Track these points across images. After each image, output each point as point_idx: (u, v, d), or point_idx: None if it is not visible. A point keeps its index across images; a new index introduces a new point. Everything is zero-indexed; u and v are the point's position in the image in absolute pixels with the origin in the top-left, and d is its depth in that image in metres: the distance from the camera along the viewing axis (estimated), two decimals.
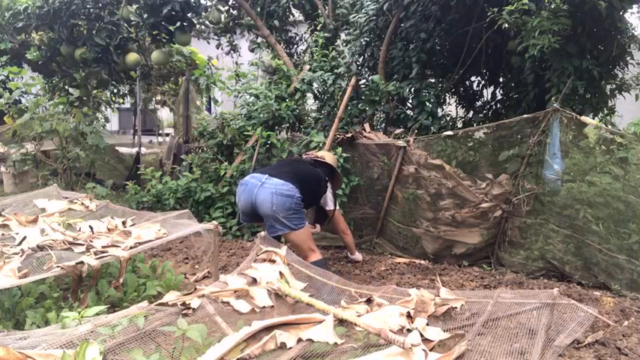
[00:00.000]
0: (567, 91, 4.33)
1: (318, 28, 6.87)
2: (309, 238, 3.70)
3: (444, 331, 2.41)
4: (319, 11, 7.00)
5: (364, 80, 5.93)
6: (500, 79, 6.25)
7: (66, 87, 7.88)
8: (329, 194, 4.00)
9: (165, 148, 9.34)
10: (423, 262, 4.63)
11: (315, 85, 6.01)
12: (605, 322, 3.01)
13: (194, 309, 2.30)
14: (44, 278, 2.95)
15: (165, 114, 14.29)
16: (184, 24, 6.62)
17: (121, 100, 10.32)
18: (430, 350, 2.14)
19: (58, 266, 2.71)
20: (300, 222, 3.58)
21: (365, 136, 5.05)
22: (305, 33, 8.15)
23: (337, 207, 4.16)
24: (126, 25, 7.11)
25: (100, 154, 7.53)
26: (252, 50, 7.70)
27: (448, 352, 2.09)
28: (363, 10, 5.88)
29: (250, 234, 5.31)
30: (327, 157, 4.14)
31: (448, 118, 6.13)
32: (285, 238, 3.72)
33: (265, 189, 3.48)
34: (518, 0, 4.09)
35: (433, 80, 5.86)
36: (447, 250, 4.62)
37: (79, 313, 2.10)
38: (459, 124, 6.19)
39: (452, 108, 6.61)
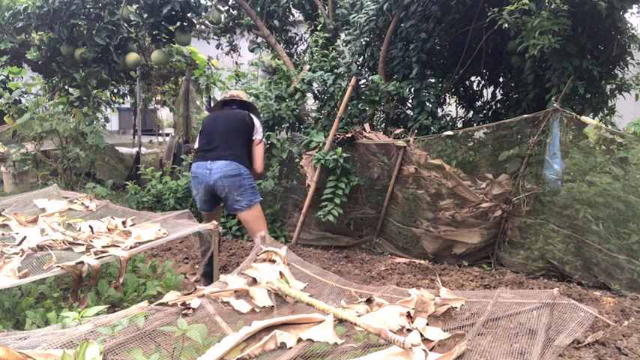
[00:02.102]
0: (567, 91, 4.33)
1: (318, 28, 6.86)
2: (261, 216, 3.96)
3: (444, 331, 2.41)
4: (319, 11, 6.99)
5: (364, 80, 5.93)
6: (500, 79, 6.25)
7: (66, 87, 7.87)
8: (257, 123, 4.05)
9: (165, 148, 9.35)
10: (423, 262, 4.63)
11: (315, 85, 6.00)
12: (605, 322, 3.01)
13: (194, 309, 2.29)
14: (44, 278, 2.95)
15: (165, 114, 14.31)
16: (184, 24, 6.63)
17: (121, 100, 10.33)
18: (430, 350, 2.13)
19: (58, 266, 2.71)
20: (255, 196, 3.86)
21: (365, 136, 5.05)
22: (305, 33, 8.13)
23: (263, 138, 4.16)
24: (126, 25, 7.11)
25: (100, 154, 7.53)
26: (252, 50, 7.68)
27: (448, 352, 2.09)
28: (363, 10, 5.87)
29: None
30: (241, 94, 4.23)
31: (448, 118, 6.13)
32: (239, 217, 3.95)
33: (214, 175, 3.75)
34: (519, 0, 4.09)
35: (433, 80, 5.85)
36: (447, 250, 4.62)
37: (79, 313, 2.09)
38: (459, 124, 6.19)
39: (452, 108, 6.61)
